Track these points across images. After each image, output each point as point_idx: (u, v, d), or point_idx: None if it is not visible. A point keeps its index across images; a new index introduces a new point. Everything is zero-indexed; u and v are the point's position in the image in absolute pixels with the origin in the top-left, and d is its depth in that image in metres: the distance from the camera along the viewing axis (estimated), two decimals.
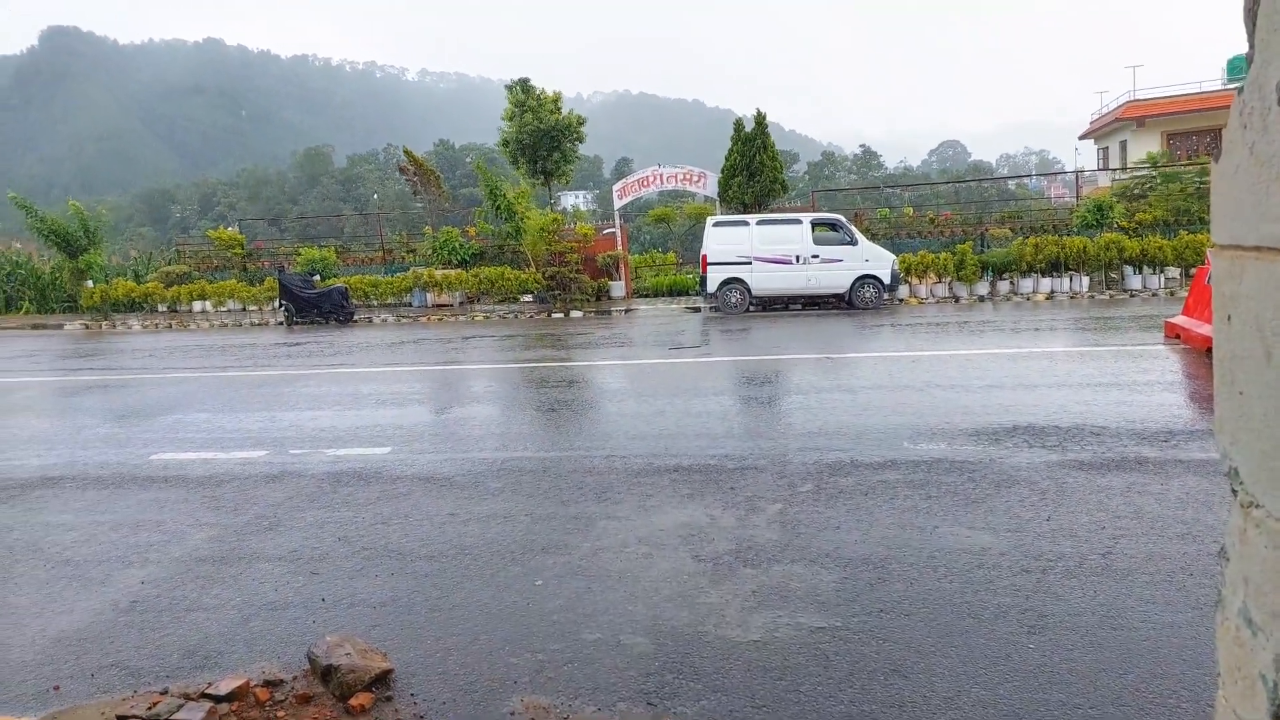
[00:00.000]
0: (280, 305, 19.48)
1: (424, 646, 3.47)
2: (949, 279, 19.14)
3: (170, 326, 19.62)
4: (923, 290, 19.15)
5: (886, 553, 4.23)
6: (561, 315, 18.66)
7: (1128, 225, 20.03)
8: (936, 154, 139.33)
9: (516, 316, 18.81)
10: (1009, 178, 75.30)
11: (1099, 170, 34.99)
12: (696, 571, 4.10)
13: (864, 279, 17.15)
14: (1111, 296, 18.12)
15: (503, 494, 5.47)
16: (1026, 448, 6.03)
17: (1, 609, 3.99)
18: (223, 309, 22.24)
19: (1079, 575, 3.85)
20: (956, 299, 18.74)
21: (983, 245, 20.50)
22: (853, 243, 17.21)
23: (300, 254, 23.24)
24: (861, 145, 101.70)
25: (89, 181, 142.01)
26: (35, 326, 20.67)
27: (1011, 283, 19.18)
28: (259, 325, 19.22)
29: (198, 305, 22.47)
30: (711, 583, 3.97)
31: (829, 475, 5.55)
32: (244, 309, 22.06)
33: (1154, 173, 22.80)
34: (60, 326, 20.34)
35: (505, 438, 7.08)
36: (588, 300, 20.46)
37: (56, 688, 3.26)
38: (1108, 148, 39.17)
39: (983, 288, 19.12)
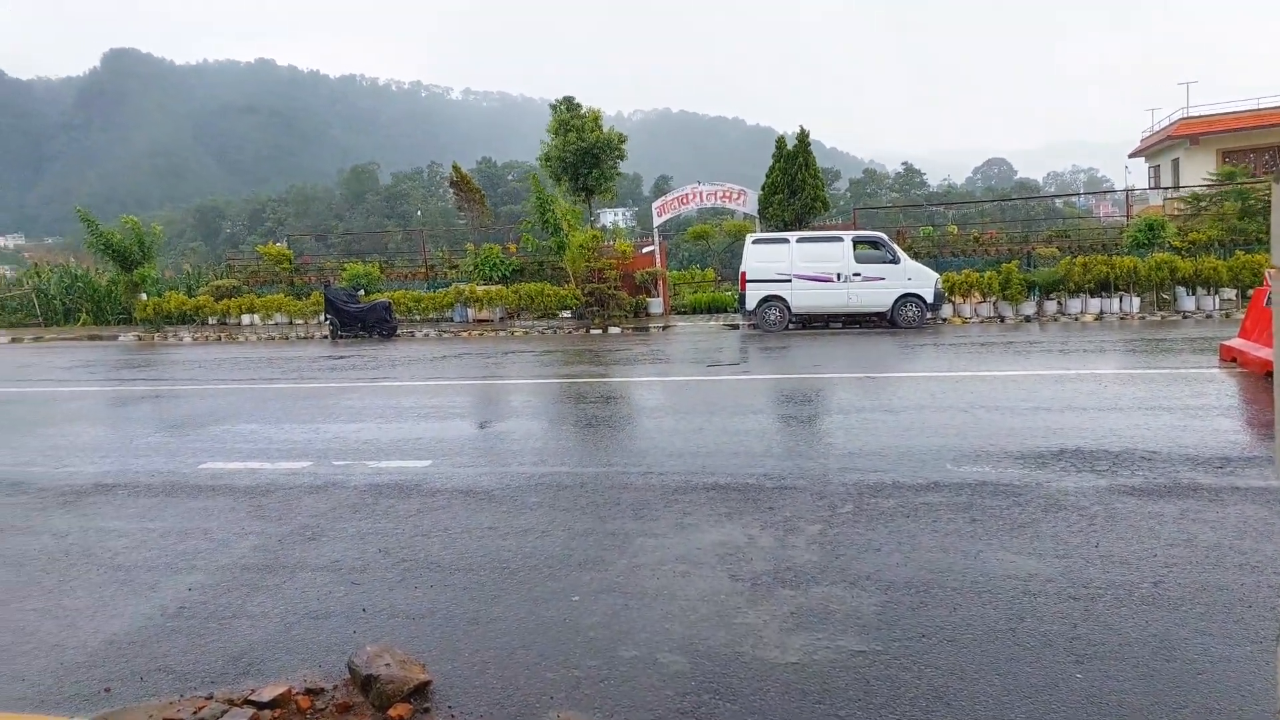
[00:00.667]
0: (326, 319, 19.86)
1: (462, 659, 3.49)
2: (994, 298, 18.85)
3: (220, 339, 20.11)
4: (967, 309, 18.88)
5: (929, 576, 4.16)
6: (600, 331, 18.74)
7: (1180, 245, 19.56)
8: (981, 172, 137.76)
9: (555, 332, 18.94)
10: (1056, 196, 74.04)
11: (1150, 189, 34.26)
12: (734, 591, 4.07)
13: (906, 298, 16.97)
14: (1163, 318, 17.68)
15: (540, 509, 5.49)
16: (1074, 472, 5.89)
17: (58, 611, 4.11)
18: (270, 322, 22.74)
19: (1129, 604, 3.74)
20: (1001, 319, 18.45)
21: (1029, 264, 20.17)
22: (895, 261, 17.05)
23: (345, 269, 23.70)
24: (904, 163, 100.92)
25: (144, 198, 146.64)
26: (92, 337, 21.33)
27: (1059, 303, 18.82)
28: (305, 338, 19.61)
29: (246, 318, 23.00)
30: (749, 603, 3.93)
31: (870, 496, 5.48)
32: (291, 322, 22.53)
33: (1224, 189, 22.19)
34: (115, 338, 20.96)
35: (543, 453, 7.11)
36: (626, 317, 20.53)
37: (108, 689, 3.33)
38: (1159, 166, 38.35)
39: (1029, 307, 18.79)
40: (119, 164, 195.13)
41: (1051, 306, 18.87)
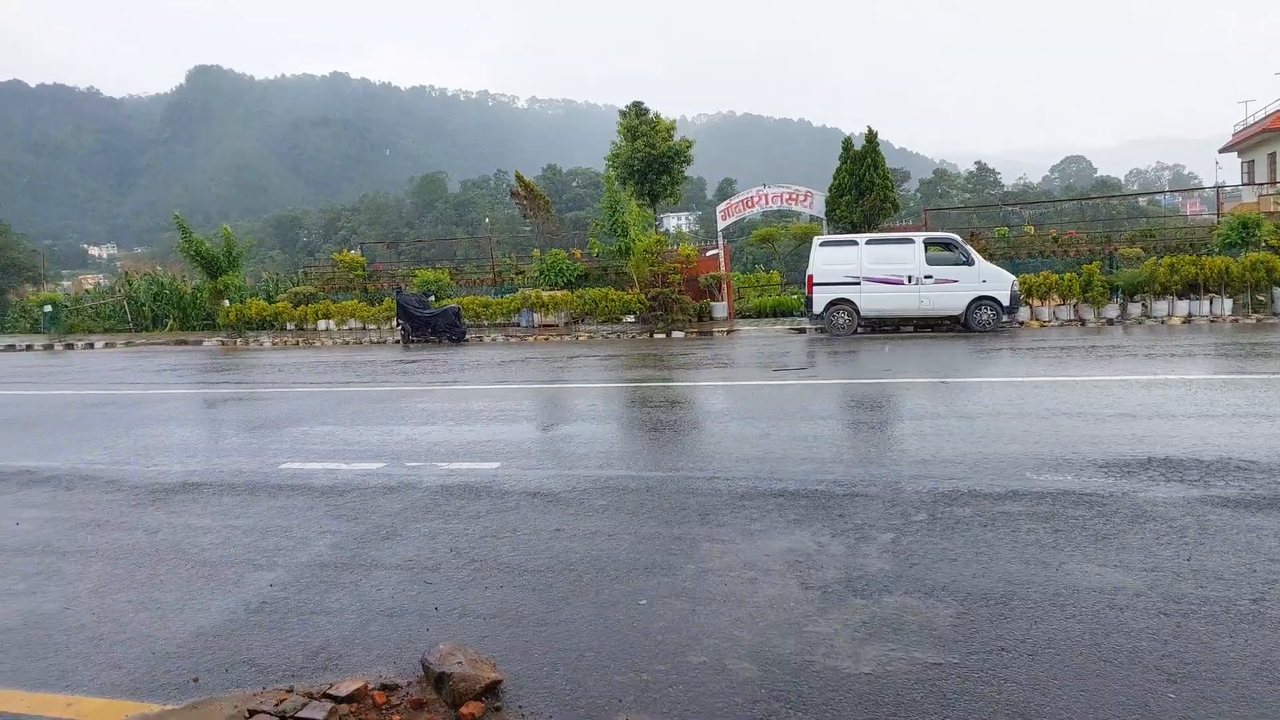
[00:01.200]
0: (398, 324, 20.36)
1: (531, 660, 3.52)
2: (1074, 301, 18.19)
3: (297, 343, 20.80)
4: (1045, 312, 18.27)
5: (1008, 588, 4.02)
6: (663, 336, 18.75)
7: (1278, 244, 18.55)
8: (1059, 170, 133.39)
9: (619, 336, 19.01)
10: (1140, 194, 71.16)
11: (1243, 185, 32.60)
12: (804, 599, 4.01)
13: (981, 300, 16.50)
14: (1259, 321, 16.79)
15: (607, 512, 5.51)
16: (1164, 481, 5.63)
17: (150, 604, 4.29)
18: (345, 327, 23.42)
19: (1226, 622, 3.55)
20: (1082, 322, 17.79)
21: (1111, 265, 19.41)
22: (969, 263, 16.60)
23: (416, 276, 24.26)
24: (976, 162, 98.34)
25: (226, 209, 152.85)
26: (179, 342, 22.31)
27: (1144, 305, 18.06)
28: (378, 343, 20.13)
29: (322, 324, 23.73)
30: (820, 611, 3.87)
31: (945, 505, 5.33)
32: (364, 327, 23.16)
33: None
34: (200, 343, 21.89)
35: (609, 456, 7.14)
36: (689, 321, 20.49)
37: (196, 680, 3.47)
38: (1253, 161, 36.46)
39: (1112, 310, 18.08)
40: (203, 177, 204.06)
41: (1136, 309, 18.11)
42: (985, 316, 16.43)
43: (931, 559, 4.44)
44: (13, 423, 10.27)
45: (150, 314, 26.63)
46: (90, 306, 28.15)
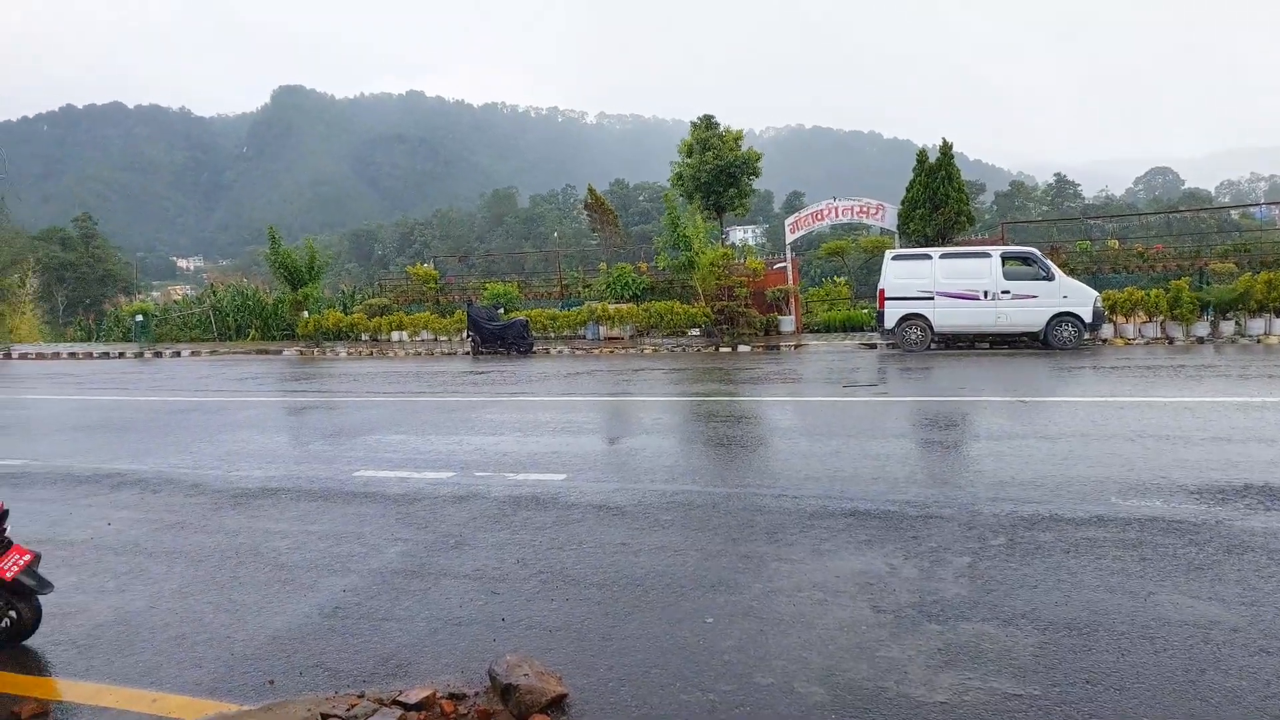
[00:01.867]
0: (468, 336, 20.74)
1: (597, 674, 3.50)
2: (1161, 318, 17.42)
3: (371, 354, 21.36)
4: (1130, 330, 17.54)
5: (1093, 618, 3.84)
6: (729, 349, 18.63)
7: None
8: (1143, 183, 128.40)
9: (684, 350, 18.97)
10: (1232, 207, 67.85)
11: None
12: (876, 623, 3.90)
13: (1061, 317, 15.92)
14: None
15: (673, 527, 5.47)
16: (1262, 510, 5.32)
17: (229, 605, 4.43)
18: (417, 339, 23.96)
19: None
20: (1170, 340, 17.01)
21: (1201, 281, 18.54)
22: (1048, 278, 16.05)
23: (486, 288, 24.70)
24: (1056, 174, 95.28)
25: (306, 223, 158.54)
26: (260, 351, 23.15)
27: (1237, 323, 17.17)
28: (448, 354, 20.53)
29: (395, 335, 24.34)
30: (892, 636, 3.75)
31: (1025, 529, 5.14)
32: (435, 339, 23.66)
33: None
34: (280, 352, 22.68)
35: (675, 470, 7.10)
36: (756, 335, 20.32)
37: (271, 682, 3.56)
38: None
39: (1202, 328, 17.24)
40: (284, 192, 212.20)
41: (1228, 327, 17.23)
42: (1066, 333, 15.85)
43: (1011, 585, 4.27)
44: (106, 427, 10.79)
45: (233, 324, 27.74)
46: (178, 316, 29.49)
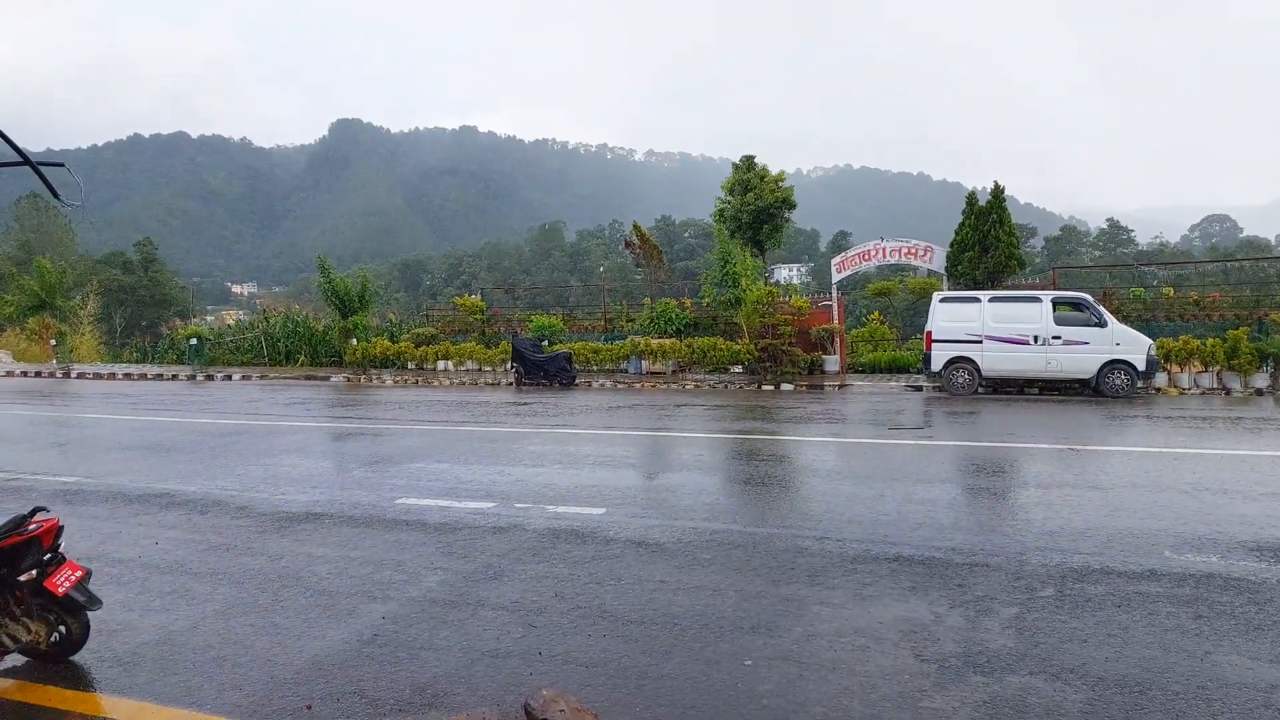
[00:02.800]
0: (512, 367, 20.92)
1: (633, 713, 3.46)
2: (1218, 368, 16.90)
3: (417, 382, 21.66)
4: (1185, 379, 17.04)
5: (1144, 676, 3.70)
6: (772, 387, 18.50)
7: None
8: (1199, 230, 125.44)
9: (726, 386, 18.90)
10: None
11: None
12: (919, 672, 3.80)
13: (1114, 364, 15.55)
14: None
15: (712, 566, 5.41)
16: None
17: (270, 629, 4.49)
18: (462, 368, 24.25)
19: None
20: (1227, 391, 16.49)
21: (1261, 331, 17.97)
22: (1101, 324, 15.71)
23: (532, 320, 24.95)
24: (1108, 219, 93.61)
25: (358, 252, 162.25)
26: (308, 377, 23.62)
27: None
28: (492, 385, 20.73)
29: (441, 364, 24.66)
30: (936, 686, 3.66)
31: (1074, 581, 4.98)
32: (480, 369, 23.92)
33: None
34: (328, 378, 23.11)
35: (715, 509, 7.04)
36: (799, 373, 20.17)
37: (309, 707, 3.58)
38: None
39: (1261, 380, 16.68)
40: (339, 222, 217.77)
41: None
42: (1119, 381, 15.46)
43: (1059, 638, 4.14)
44: (158, 448, 11.07)
45: (284, 349, 28.36)
46: (230, 340, 30.27)
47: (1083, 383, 16.04)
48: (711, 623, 4.44)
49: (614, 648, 4.14)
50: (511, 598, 4.87)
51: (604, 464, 9.22)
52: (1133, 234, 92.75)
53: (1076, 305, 16.20)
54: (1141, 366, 15.46)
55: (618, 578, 5.20)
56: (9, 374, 26.80)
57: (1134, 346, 15.59)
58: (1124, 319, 17.81)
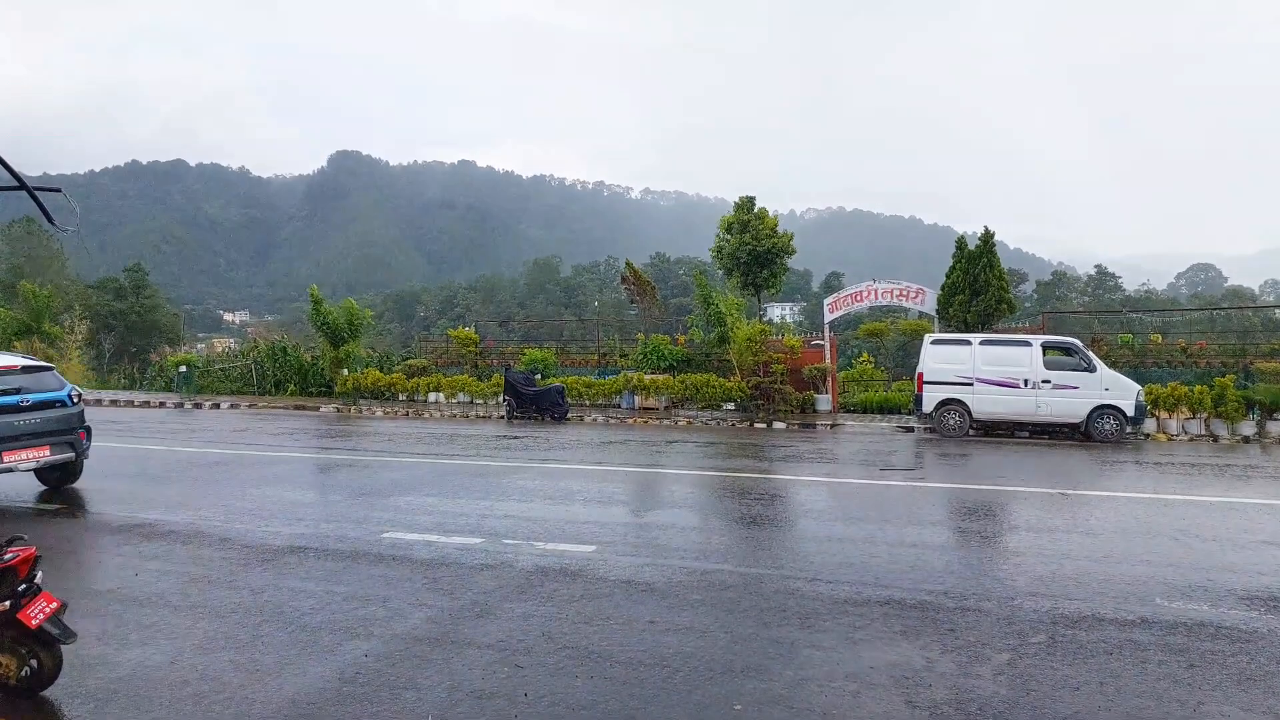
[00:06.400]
0: (504, 400, 20.84)
1: None
2: (1205, 415, 16.98)
3: (408, 414, 21.54)
4: (1173, 426, 17.10)
5: None
6: (764, 426, 18.48)
7: None
8: (1185, 278, 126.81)
9: (719, 424, 18.86)
10: (1278, 306, 66.73)
11: None
12: (910, 719, 3.74)
13: (1103, 409, 15.60)
14: None
15: (702, 607, 5.35)
16: None
17: (249, 665, 4.39)
18: (454, 400, 24.15)
19: None
20: (1215, 438, 16.54)
21: (1247, 379, 18.10)
22: (1090, 369, 15.80)
23: (525, 354, 24.93)
24: (1097, 266, 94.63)
25: (354, 283, 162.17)
26: (298, 407, 23.47)
27: None
28: (484, 417, 20.63)
29: (433, 396, 24.55)
30: None
31: (1066, 627, 4.94)
32: (472, 401, 23.83)
33: None
34: (318, 408, 22.96)
35: (705, 548, 6.98)
36: (792, 412, 20.16)
37: None
38: None
39: (1248, 427, 16.75)
40: (334, 253, 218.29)
41: (1276, 427, 16.73)
42: (1108, 426, 15.50)
43: (1051, 685, 4.09)
44: (141, 476, 10.94)
45: (273, 378, 28.21)
46: (220, 368, 30.10)
47: (1073, 427, 16.08)
48: (701, 665, 4.37)
49: (601, 689, 4.07)
50: (498, 636, 4.80)
51: (594, 501, 9.15)
52: (1120, 280, 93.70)
53: (1066, 350, 16.30)
54: (1130, 412, 15.52)
55: (606, 617, 5.13)
56: None
57: (1123, 392, 15.67)
58: (1113, 364, 17.91)
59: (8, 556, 3.86)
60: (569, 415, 20.13)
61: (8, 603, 3.86)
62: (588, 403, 22.62)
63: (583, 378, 23.53)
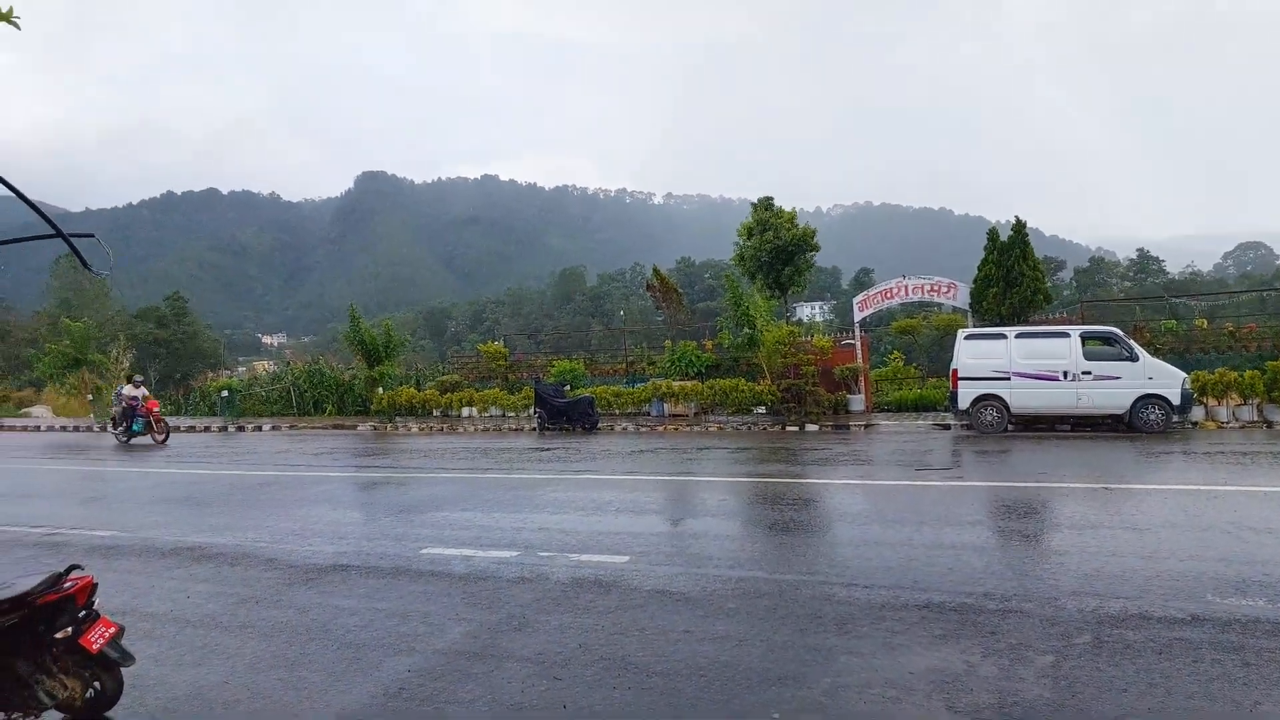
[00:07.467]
0: (535, 412, 20.98)
1: None
2: (1257, 400, 16.54)
3: (442, 429, 21.77)
4: (1223, 413, 16.69)
5: None
6: (796, 429, 18.38)
7: None
8: (1233, 258, 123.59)
9: (750, 429, 18.79)
10: None
11: None
12: None
13: (1147, 399, 15.27)
14: None
15: (737, 615, 5.34)
16: None
17: (297, 683, 4.49)
18: (486, 414, 24.36)
19: None
20: (1268, 424, 16.12)
21: None
22: (1132, 358, 15.48)
23: (554, 366, 25.06)
24: (1138, 249, 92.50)
25: (384, 302, 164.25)
26: (336, 426, 23.83)
27: None
28: (515, 430, 20.78)
29: (466, 410, 24.79)
30: None
31: (1112, 627, 4.86)
32: (504, 414, 24.01)
33: None
34: (355, 427, 23.30)
35: (739, 556, 6.97)
36: (824, 413, 20.03)
37: None
38: None
39: None
40: (364, 273, 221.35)
41: None
42: (1153, 416, 15.16)
43: (1098, 687, 4.03)
44: (189, 500, 11.19)
45: (311, 399, 28.67)
46: (260, 391, 30.65)
47: (1116, 418, 15.77)
48: (738, 674, 4.37)
49: (639, 700, 4.09)
50: (536, 649, 4.84)
51: (627, 510, 9.18)
52: (1163, 264, 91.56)
53: (1106, 339, 16.00)
54: (1176, 400, 15.18)
55: (641, 628, 5.14)
56: (49, 429, 27.31)
57: (1167, 380, 15.33)
58: (1156, 352, 17.56)
59: (67, 585, 3.99)
60: (599, 425, 20.20)
61: (70, 629, 4.00)
62: (617, 412, 22.67)
63: (612, 387, 23.60)
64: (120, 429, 21.12)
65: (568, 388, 22.57)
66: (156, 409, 21.58)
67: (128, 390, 21.52)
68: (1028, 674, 4.22)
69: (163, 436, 20.95)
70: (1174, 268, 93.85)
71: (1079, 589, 5.61)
